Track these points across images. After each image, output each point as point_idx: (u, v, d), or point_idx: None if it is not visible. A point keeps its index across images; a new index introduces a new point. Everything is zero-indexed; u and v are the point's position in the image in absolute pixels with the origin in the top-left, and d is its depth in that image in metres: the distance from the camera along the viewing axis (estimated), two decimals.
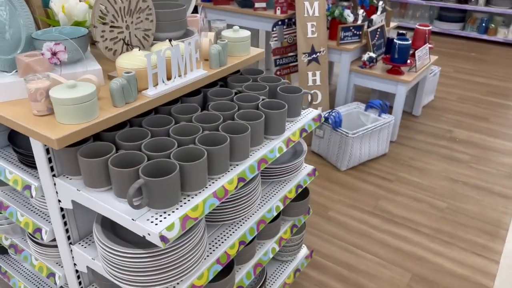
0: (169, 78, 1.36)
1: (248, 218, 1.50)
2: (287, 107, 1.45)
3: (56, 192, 1.25)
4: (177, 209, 1.12)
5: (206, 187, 1.21)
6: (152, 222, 1.07)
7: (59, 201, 1.26)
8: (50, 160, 1.21)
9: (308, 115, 1.63)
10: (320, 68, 3.28)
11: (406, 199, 2.74)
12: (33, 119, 1.15)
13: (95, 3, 1.30)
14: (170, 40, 1.45)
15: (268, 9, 3.42)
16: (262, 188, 1.66)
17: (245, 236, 1.45)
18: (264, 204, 1.58)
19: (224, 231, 1.44)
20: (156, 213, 1.10)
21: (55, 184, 1.24)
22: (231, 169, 1.30)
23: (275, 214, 1.59)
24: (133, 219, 1.08)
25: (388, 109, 3.15)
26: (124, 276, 1.17)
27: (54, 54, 1.23)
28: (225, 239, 1.41)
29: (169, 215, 1.10)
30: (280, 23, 3.31)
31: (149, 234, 1.05)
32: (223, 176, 1.26)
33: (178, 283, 1.24)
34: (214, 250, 1.37)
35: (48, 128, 1.11)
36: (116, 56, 1.40)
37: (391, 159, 3.18)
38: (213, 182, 1.23)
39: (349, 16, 3.23)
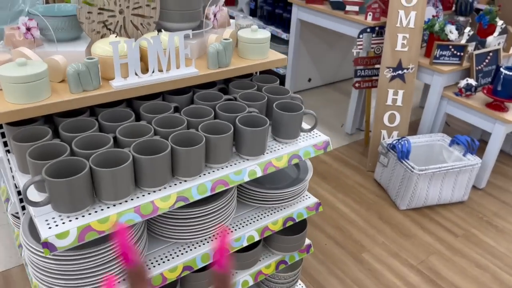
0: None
1: (208, 242, 1.32)
2: (268, 124, 1.23)
3: (11, 168, 1.24)
4: (83, 216, 1.00)
5: (132, 199, 1.07)
6: (48, 224, 0.98)
7: (13, 177, 1.25)
8: (3, 135, 1.19)
9: (309, 140, 1.37)
10: (404, 87, 2.86)
11: (467, 262, 2.23)
12: None
13: None
14: (159, 30, 1.33)
15: (361, 14, 3.09)
16: (244, 211, 1.46)
17: (193, 262, 1.27)
18: (234, 230, 1.38)
19: (172, 251, 1.29)
20: (60, 216, 1.00)
21: (8, 160, 1.22)
22: (174, 184, 1.13)
23: (245, 244, 1.38)
24: (34, 216, 1.00)
25: (477, 149, 2.61)
26: (34, 271, 1.11)
27: (28, 29, 1.20)
28: (167, 260, 1.25)
29: (70, 221, 0.99)
30: (368, 30, 2.96)
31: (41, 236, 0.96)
32: (159, 190, 1.11)
33: None
34: (150, 269, 1.23)
35: None
36: None
37: (468, 209, 2.64)
38: (142, 195, 1.09)
39: (451, 32, 2.74)
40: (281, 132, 1.33)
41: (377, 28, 2.97)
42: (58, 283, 1.09)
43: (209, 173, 1.19)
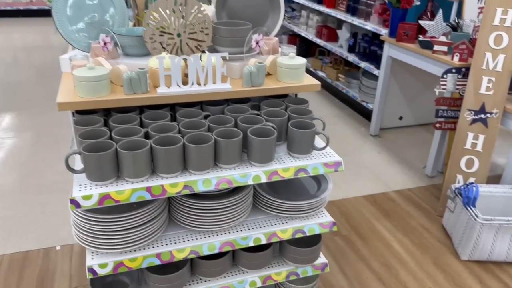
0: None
1: (217, 235, 1.50)
2: (274, 136, 1.38)
3: None
4: (106, 186, 1.28)
5: (147, 180, 1.32)
6: (80, 187, 1.27)
7: None
8: None
9: (321, 158, 1.48)
10: (486, 132, 2.69)
11: None
12: (69, 88, 1.51)
13: (148, 10, 1.57)
14: (203, 51, 1.59)
15: (449, 54, 3.02)
16: (258, 216, 1.61)
17: (200, 248, 1.46)
18: (244, 230, 1.53)
19: (185, 236, 1.50)
20: (91, 184, 1.29)
21: None
22: (185, 175, 1.35)
23: (251, 244, 1.52)
24: (74, 180, 1.30)
25: None
26: (75, 230, 1.41)
27: (105, 43, 1.57)
28: (179, 242, 1.46)
29: (96, 188, 1.27)
30: (454, 70, 2.88)
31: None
32: (171, 177, 1.34)
33: (106, 252, 1.39)
34: (162, 245, 1.45)
35: (65, 96, 1.44)
36: None
37: None
38: (156, 179, 1.33)
39: None
40: (294, 147, 1.47)
41: (463, 69, 2.87)
42: (91, 240, 1.37)
43: (217, 171, 1.38)
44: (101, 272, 1.37)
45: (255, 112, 1.56)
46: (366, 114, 4.32)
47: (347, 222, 2.75)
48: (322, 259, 1.71)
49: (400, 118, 4.15)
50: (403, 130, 4.16)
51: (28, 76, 5.18)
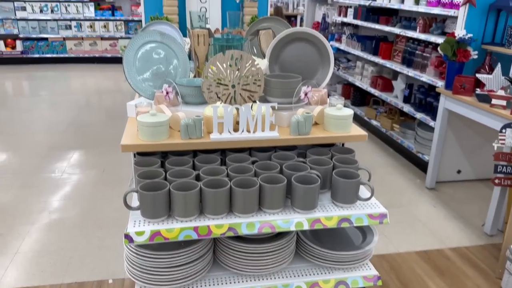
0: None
1: (258, 280, 1.53)
2: (318, 184, 1.42)
3: None
4: (158, 224, 1.37)
5: (195, 220, 1.40)
6: (135, 223, 1.37)
7: None
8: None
9: (366, 208, 1.49)
10: None
11: None
12: (132, 132, 1.65)
13: (207, 63, 1.71)
14: (254, 101, 1.69)
15: (508, 108, 2.93)
16: (302, 264, 1.61)
17: None
18: (285, 277, 1.55)
19: (229, 278, 1.54)
20: (145, 220, 1.39)
21: None
22: (230, 216, 1.42)
23: None
24: (130, 216, 1.41)
25: None
26: (127, 265, 1.51)
27: (167, 93, 1.72)
28: (221, 284, 1.51)
29: (148, 224, 1.37)
30: None
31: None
32: (217, 219, 1.41)
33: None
34: (205, 286, 1.50)
35: (129, 138, 1.58)
36: None
37: None
38: (204, 220, 1.40)
39: None
40: (337, 196, 1.49)
41: None
42: (140, 275, 1.46)
43: (261, 215, 1.43)
44: None
45: (301, 159, 1.61)
46: (422, 165, 4.21)
47: (397, 279, 2.64)
48: None
49: (458, 171, 3.99)
50: (461, 184, 3.98)
51: (98, 118, 5.63)
